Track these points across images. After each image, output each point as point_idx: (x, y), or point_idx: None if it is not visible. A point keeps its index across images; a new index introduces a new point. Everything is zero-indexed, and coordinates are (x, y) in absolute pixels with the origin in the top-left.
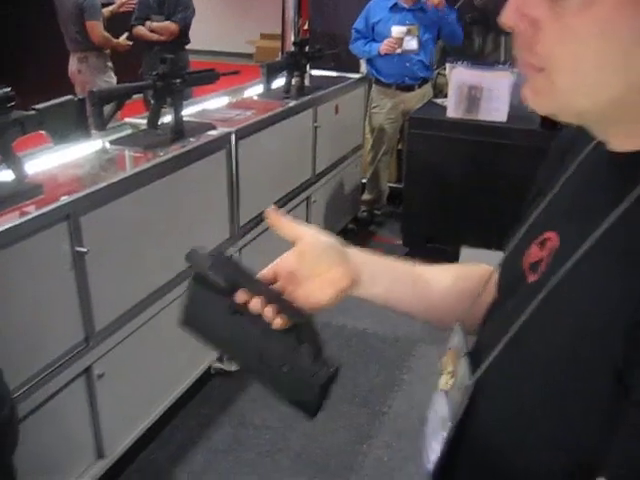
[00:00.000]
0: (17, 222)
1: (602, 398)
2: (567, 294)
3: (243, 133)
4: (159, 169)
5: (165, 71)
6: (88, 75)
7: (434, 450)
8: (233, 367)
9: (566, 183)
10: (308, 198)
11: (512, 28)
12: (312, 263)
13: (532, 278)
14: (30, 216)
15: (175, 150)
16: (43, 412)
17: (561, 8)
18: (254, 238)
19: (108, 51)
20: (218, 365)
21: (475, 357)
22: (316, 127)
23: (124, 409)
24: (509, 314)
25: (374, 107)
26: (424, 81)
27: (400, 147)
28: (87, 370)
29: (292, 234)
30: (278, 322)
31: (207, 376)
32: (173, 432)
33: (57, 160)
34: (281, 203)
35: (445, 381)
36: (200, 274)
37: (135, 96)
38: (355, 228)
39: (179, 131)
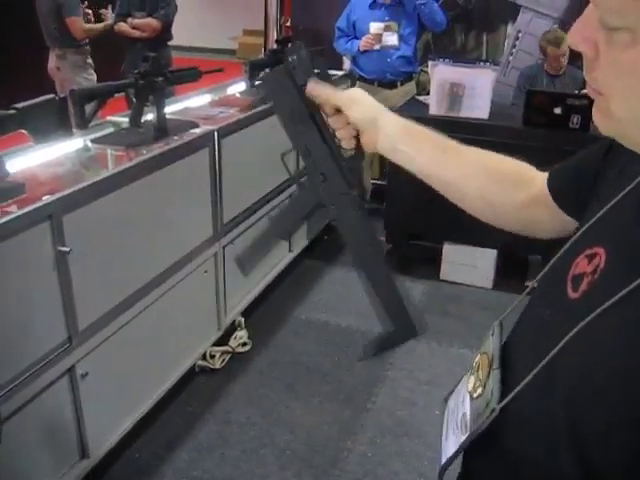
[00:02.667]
0: None
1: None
2: (608, 328)
3: (226, 131)
4: (142, 168)
5: (147, 69)
6: (67, 72)
7: (450, 446)
8: (217, 365)
9: (627, 196)
10: (292, 195)
11: (577, 49)
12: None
13: (573, 295)
14: (12, 216)
15: (158, 148)
16: (26, 412)
17: (614, 40)
18: (237, 236)
19: (88, 47)
20: (202, 363)
21: (507, 373)
22: None
23: (108, 408)
24: (547, 331)
25: None
26: (407, 78)
27: None
28: (70, 370)
29: (338, 103)
30: (351, 143)
31: (191, 374)
32: (158, 430)
33: (38, 159)
34: (264, 201)
35: (473, 385)
36: (299, 56)
37: (116, 94)
38: None
39: (162, 129)
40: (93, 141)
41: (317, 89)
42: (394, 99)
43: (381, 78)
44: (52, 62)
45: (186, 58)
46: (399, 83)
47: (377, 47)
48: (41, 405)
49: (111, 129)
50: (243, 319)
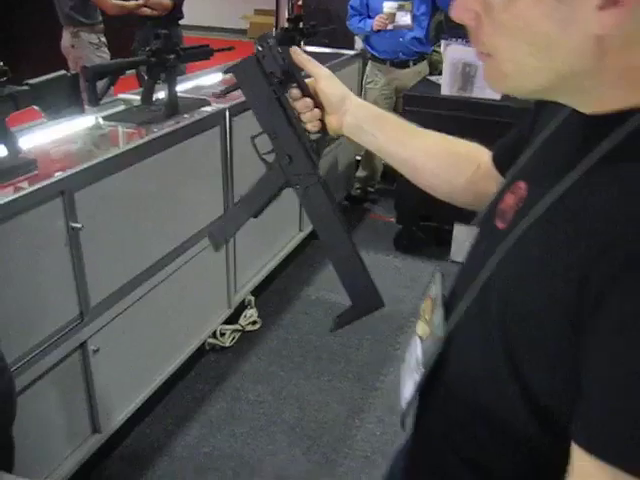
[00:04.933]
0: (11, 198)
1: (561, 347)
2: (527, 246)
3: (237, 109)
4: (153, 145)
5: (159, 47)
6: (81, 50)
7: (407, 390)
8: (227, 343)
9: (547, 139)
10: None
11: (461, 21)
12: (320, 98)
13: (501, 225)
14: (24, 192)
15: (169, 126)
16: (39, 387)
17: (490, 4)
18: None
19: (102, 25)
20: (212, 341)
21: (450, 306)
22: None
23: (119, 384)
24: (479, 261)
25: (368, 82)
26: (420, 58)
27: None
28: (82, 345)
29: (313, 72)
30: (316, 125)
31: (202, 352)
32: (168, 407)
33: (50, 136)
34: None
35: (422, 328)
36: (266, 47)
37: (128, 72)
38: (349, 205)
39: (173, 107)
40: (105, 118)
41: (299, 53)
42: (406, 79)
43: (393, 58)
44: (66, 41)
45: (197, 37)
46: (411, 63)
47: (390, 27)
48: (54, 380)
49: (122, 107)
50: (253, 298)
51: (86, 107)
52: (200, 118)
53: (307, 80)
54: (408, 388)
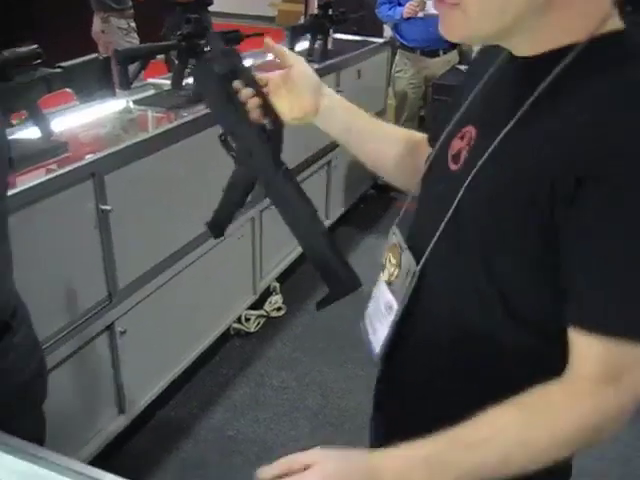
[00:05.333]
0: (43, 179)
1: (532, 257)
2: (491, 174)
3: None
4: (183, 130)
5: (190, 31)
6: (111, 36)
7: (381, 334)
8: (252, 328)
9: (483, 88)
10: (329, 163)
11: None
12: (294, 85)
13: (454, 167)
14: (56, 174)
15: (198, 111)
16: (67, 367)
17: None
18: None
19: (131, 11)
20: (237, 326)
21: (415, 247)
22: (339, 91)
23: (145, 366)
24: (440, 201)
25: (397, 71)
26: (450, 47)
27: (423, 114)
28: (110, 327)
29: (284, 59)
30: (256, 114)
31: (226, 337)
32: (192, 390)
33: (81, 119)
34: (302, 167)
35: (389, 274)
36: (208, 59)
37: (157, 57)
38: (375, 194)
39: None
40: (135, 102)
41: (273, 44)
42: (436, 68)
43: (423, 46)
44: (96, 26)
45: (225, 24)
46: (441, 52)
47: (421, 15)
48: (82, 360)
49: (152, 91)
50: (278, 284)
51: (117, 90)
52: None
53: (286, 68)
54: (381, 332)
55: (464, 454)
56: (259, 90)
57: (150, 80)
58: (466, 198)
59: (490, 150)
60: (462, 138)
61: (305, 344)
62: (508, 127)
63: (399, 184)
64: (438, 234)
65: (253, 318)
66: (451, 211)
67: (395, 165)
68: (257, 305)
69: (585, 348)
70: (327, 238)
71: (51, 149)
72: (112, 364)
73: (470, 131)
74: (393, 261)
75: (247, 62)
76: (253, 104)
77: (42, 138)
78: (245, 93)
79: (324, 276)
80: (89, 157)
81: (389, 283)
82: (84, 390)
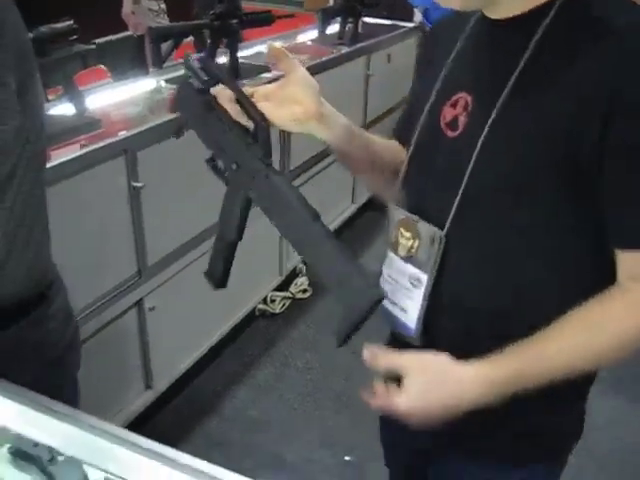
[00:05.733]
0: (77, 154)
1: (562, 199)
2: (507, 126)
3: None
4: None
5: (222, 10)
6: (141, 17)
7: (411, 312)
8: (277, 309)
9: (460, 54)
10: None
11: None
12: (296, 90)
13: (452, 134)
14: (90, 149)
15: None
16: (95, 341)
17: None
18: (305, 181)
19: None
20: (263, 307)
21: (429, 215)
22: (368, 75)
23: (172, 343)
24: (447, 168)
25: None
26: None
27: None
28: (139, 302)
29: (287, 65)
30: (240, 116)
31: (252, 317)
32: (217, 369)
33: (115, 97)
34: (326, 153)
35: (406, 248)
36: (189, 67)
37: (187, 39)
38: None
39: (234, 72)
40: (167, 81)
41: (275, 47)
42: None
43: None
44: (126, 7)
45: (252, 7)
46: None
47: None
48: (111, 335)
49: (183, 71)
50: (304, 266)
51: (150, 69)
52: (260, 84)
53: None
54: (413, 307)
55: (538, 364)
56: (240, 93)
57: (181, 60)
58: (484, 157)
59: (498, 107)
60: (455, 106)
61: (330, 327)
62: (511, 82)
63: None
64: (460, 195)
65: (278, 299)
66: (468, 172)
67: (392, 172)
68: (283, 287)
69: (633, 264)
70: (334, 241)
71: (85, 125)
72: (140, 340)
73: (464, 97)
74: (407, 234)
75: (277, 44)
76: (234, 110)
77: (76, 114)
78: (223, 95)
79: (337, 292)
80: (122, 134)
81: (409, 257)
82: (112, 365)
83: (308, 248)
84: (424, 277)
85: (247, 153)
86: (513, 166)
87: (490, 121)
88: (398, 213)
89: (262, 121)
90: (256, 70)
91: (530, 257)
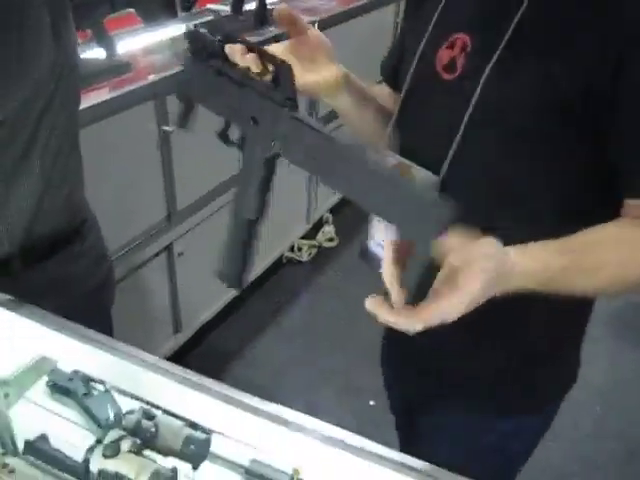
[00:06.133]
0: (108, 97)
1: (567, 139)
2: (510, 67)
3: (327, 23)
4: None
5: None
6: None
7: None
8: (304, 257)
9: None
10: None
11: None
12: (314, 51)
13: (449, 76)
14: (120, 92)
15: (262, 34)
16: (127, 284)
17: None
18: (333, 130)
19: None
20: (290, 254)
21: (424, 160)
22: (397, 24)
23: (200, 288)
24: (445, 111)
25: None
26: None
27: None
28: (168, 247)
29: (299, 29)
30: (256, 65)
31: (279, 264)
32: (244, 315)
33: (143, 42)
34: None
35: None
36: (194, 36)
37: None
38: None
39: (262, 17)
40: (196, 26)
41: (284, 8)
42: None
43: None
44: None
45: None
46: None
47: None
48: (142, 278)
49: (211, 17)
50: (331, 215)
51: (179, 14)
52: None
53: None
54: None
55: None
56: (250, 43)
57: (209, 6)
58: (485, 99)
59: (501, 48)
60: (452, 47)
61: (356, 276)
62: (515, 21)
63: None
64: (459, 138)
65: (305, 247)
66: (467, 115)
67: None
68: (310, 235)
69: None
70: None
71: (115, 67)
72: (169, 284)
73: (462, 38)
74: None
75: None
76: (248, 60)
77: (107, 57)
78: (233, 52)
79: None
80: (152, 77)
81: None
82: (142, 308)
83: (368, 192)
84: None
85: (266, 102)
86: (515, 108)
87: (492, 62)
88: (391, 159)
89: (282, 63)
90: None
91: (530, 201)
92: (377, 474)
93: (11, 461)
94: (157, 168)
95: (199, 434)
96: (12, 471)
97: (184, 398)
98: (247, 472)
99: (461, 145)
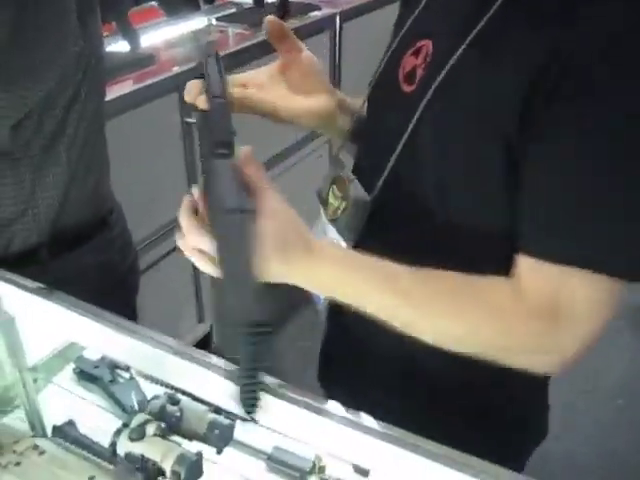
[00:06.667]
0: (131, 89)
1: (497, 171)
2: (453, 90)
3: (349, 15)
4: (264, 47)
5: None
6: None
7: None
8: None
9: (429, 1)
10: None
11: None
12: (305, 79)
13: (409, 88)
14: (144, 84)
15: None
16: (151, 273)
17: None
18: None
19: None
20: None
21: (364, 177)
22: None
23: None
24: (395, 128)
25: None
26: None
27: None
28: None
29: (289, 45)
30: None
31: None
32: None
33: (166, 34)
34: None
35: (333, 209)
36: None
37: None
38: None
39: (284, 10)
40: (217, 19)
41: (277, 21)
42: None
43: None
44: None
45: None
46: None
47: None
48: (167, 267)
49: (234, 10)
50: None
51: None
52: (310, 22)
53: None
54: None
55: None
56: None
57: None
58: (425, 117)
59: (451, 63)
60: (417, 54)
61: None
62: (467, 42)
63: None
64: (393, 160)
65: None
66: (406, 135)
67: None
68: None
69: (528, 274)
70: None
71: (139, 60)
72: (193, 274)
73: (427, 45)
74: (338, 194)
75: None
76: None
77: (130, 50)
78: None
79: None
80: (175, 69)
81: (334, 220)
82: (166, 297)
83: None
84: (342, 245)
85: (203, 141)
86: (454, 137)
87: (438, 80)
88: (337, 169)
89: (216, 97)
90: (307, 8)
91: (455, 239)
92: (401, 459)
93: (41, 443)
94: (180, 159)
95: (223, 419)
96: (42, 453)
97: (208, 383)
98: (269, 458)
99: (395, 168)
